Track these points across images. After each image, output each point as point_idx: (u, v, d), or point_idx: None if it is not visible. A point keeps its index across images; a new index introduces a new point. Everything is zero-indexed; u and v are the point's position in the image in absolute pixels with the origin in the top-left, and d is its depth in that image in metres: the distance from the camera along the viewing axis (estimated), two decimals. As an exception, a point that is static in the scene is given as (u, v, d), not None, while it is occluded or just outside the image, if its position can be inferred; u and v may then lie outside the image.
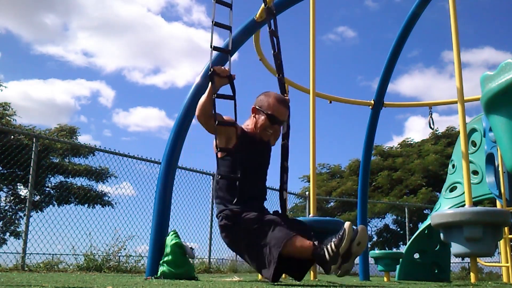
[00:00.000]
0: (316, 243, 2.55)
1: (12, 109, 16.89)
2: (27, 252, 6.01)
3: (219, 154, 2.88)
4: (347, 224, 2.50)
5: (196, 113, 2.85)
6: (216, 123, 2.75)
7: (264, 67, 6.45)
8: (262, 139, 3.00)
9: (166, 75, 46.01)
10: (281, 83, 3.29)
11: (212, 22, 3.00)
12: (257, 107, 2.98)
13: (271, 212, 2.94)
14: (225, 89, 2.94)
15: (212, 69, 2.79)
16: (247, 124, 3.06)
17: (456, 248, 3.54)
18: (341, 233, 2.49)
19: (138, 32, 46.96)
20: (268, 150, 3.12)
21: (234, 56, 4.87)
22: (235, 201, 2.77)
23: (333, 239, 2.50)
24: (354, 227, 2.52)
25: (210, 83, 2.81)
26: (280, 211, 3.02)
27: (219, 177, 2.80)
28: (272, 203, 8.98)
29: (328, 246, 2.49)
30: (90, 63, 41.41)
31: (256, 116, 2.98)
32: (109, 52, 44.94)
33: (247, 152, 2.86)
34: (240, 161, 2.82)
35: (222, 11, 3.18)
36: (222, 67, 2.84)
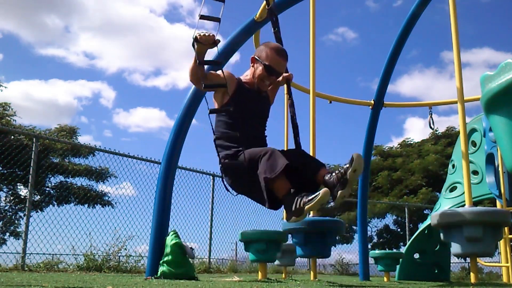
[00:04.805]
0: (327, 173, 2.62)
1: (12, 109, 16.88)
2: (27, 252, 6.01)
3: (217, 105, 2.96)
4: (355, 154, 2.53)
5: (188, 78, 2.86)
6: (203, 86, 2.79)
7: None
8: (260, 93, 3.02)
9: (167, 77, 45.98)
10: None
11: (199, 15, 2.88)
12: (256, 57, 2.99)
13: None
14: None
15: (195, 37, 2.71)
16: (246, 74, 3.08)
17: (456, 248, 3.54)
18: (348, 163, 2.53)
19: (140, 33, 46.98)
20: (266, 103, 3.14)
21: (235, 57, 4.88)
22: (232, 148, 2.82)
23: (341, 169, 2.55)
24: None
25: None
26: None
27: (218, 134, 2.90)
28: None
29: (334, 174, 2.56)
30: (92, 64, 41.42)
31: (255, 66, 3.00)
32: (111, 53, 44.94)
33: (244, 105, 2.90)
34: (237, 113, 2.86)
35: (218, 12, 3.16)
36: (207, 34, 2.73)
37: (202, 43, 2.70)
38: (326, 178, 2.60)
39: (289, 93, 3.44)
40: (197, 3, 46.58)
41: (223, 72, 2.87)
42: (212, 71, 2.91)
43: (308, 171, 2.73)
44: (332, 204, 2.58)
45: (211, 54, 3.29)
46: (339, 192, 2.51)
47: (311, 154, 4.19)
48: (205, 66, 2.91)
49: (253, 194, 2.83)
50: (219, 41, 2.78)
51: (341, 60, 39.01)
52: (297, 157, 2.79)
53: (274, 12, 3.45)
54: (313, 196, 2.46)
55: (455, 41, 3.89)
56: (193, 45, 2.75)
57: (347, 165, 2.52)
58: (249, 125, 2.94)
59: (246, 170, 2.71)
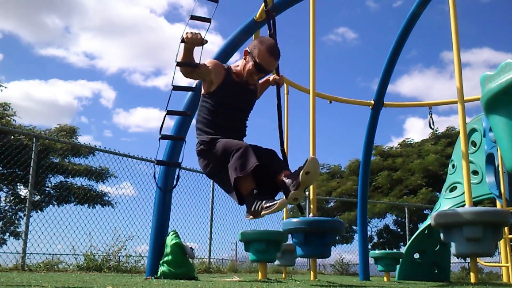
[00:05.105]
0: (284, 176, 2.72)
1: (12, 109, 16.88)
2: (27, 252, 6.00)
3: (203, 91, 3.06)
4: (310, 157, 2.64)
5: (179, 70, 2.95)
6: (172, 88, 2.96)
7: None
8: (247, 86, 3.07)
9: (168, 77, 45.97)
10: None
11: (190, 15, 3.06)
12: (248, 50, 3.02)
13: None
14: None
15: (182, 37, 2.81)
16: (237, 64, 3.11)
17: (456, 248, 3.54)
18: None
19: (140, 33, 46.95)
20: (251, 96, 3.18)
21: (235, 56, 4.89)
22: (210, 134, 2.93)
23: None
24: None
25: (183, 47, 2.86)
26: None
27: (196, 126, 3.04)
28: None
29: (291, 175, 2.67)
30: (92, 64, 41.43)
31: (246, 59, 3.03)
32: (111, 54, 44.92)
33: (228, 96, 2.99)
34: (220, 103, 2.98)
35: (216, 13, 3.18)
36: (194, 34, 2.81)
37: (189, 43, 2.80)
38: (285, 178, 2.69)
39: (278, 97, 3.38)
40: (197, 3, 46.53)
41: (204, 65, 2.96)
42: (203, 63, 2.98)
43: (271, 171, 2.82)
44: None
45: (209, 53, 3.32)
46: (291, 193, 2.57)
47: (311, 154, 4.20)
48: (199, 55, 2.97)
49: (221, 182, 2.95)
50: (206, 41, 2.85)
51: (341, 60, 39.06)
52: (266, 156, 2.88)
53: (272, 14, 3.45)
54: (270, 204, 2.60)
55: (455, 41, 3.90)
56: (179, 45, 2.85)
57: (301, 166, 2.61)
58: (230, 116, 3.02)
59: (219, 159, 2.82)
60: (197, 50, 2.87)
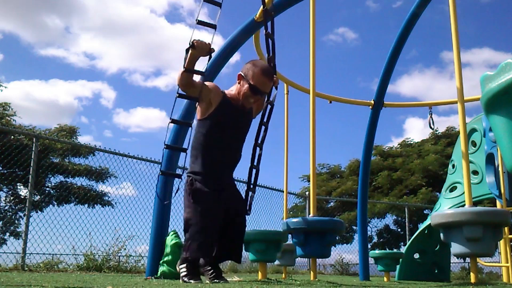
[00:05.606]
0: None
1: (12, 109, 16.89)
2: (27, 252, 6.00)
3: (199, 116, 3.03)
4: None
5: (177, 81, 2.92)
6: (178, 95, 2.94)
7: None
8: (243, 109, 3.06)
9: (168, 77, 45.89)
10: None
11: (196, 20, 3.07)
12: (242, 74, 3.02)
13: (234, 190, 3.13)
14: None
15: (192, 43, 2.81)
16: (231, 89, 3.10)
17: (456, 248, 3.53)
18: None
19: (140, 33, 46.94)
20: (247, 120, 3.17)
21: (235, 57, 4.88)
22: (204, 167, 2.94)
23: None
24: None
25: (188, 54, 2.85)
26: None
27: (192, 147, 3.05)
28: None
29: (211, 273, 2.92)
30: (92, 64, 41.43)
31: (241, 83, 3.03)
32: (111, 54, 44.90)
33: (225, 119, 2.98)
34: (217, 127, 2.97)
35: (213, 11, 3.19)
36: (204, 42, 2.84)
37: (197, 50, 2.81)
38: (208, 269, 2.94)
39: (267, 98, 3.24)
40: (197, 3, 46.55)
41: (204, 84, 2.95)
42: (200, 81, 2.97)
43: (220, 248, 3.03)
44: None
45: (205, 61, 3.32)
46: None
47: (311, 153, 4.18)
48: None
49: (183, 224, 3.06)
50: (213, 50, 2.88)
51: (341, 60, 39.01)
52: (227, 239, 3.08)
53: (271, 14, 3.44)
54: (187, 280, 2.80)
55: (455, 41, 3.89)
56: (186, 50, 2.83)
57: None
58: (227, 137, 3.00)
59: (194, 213, 2.89)
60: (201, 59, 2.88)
